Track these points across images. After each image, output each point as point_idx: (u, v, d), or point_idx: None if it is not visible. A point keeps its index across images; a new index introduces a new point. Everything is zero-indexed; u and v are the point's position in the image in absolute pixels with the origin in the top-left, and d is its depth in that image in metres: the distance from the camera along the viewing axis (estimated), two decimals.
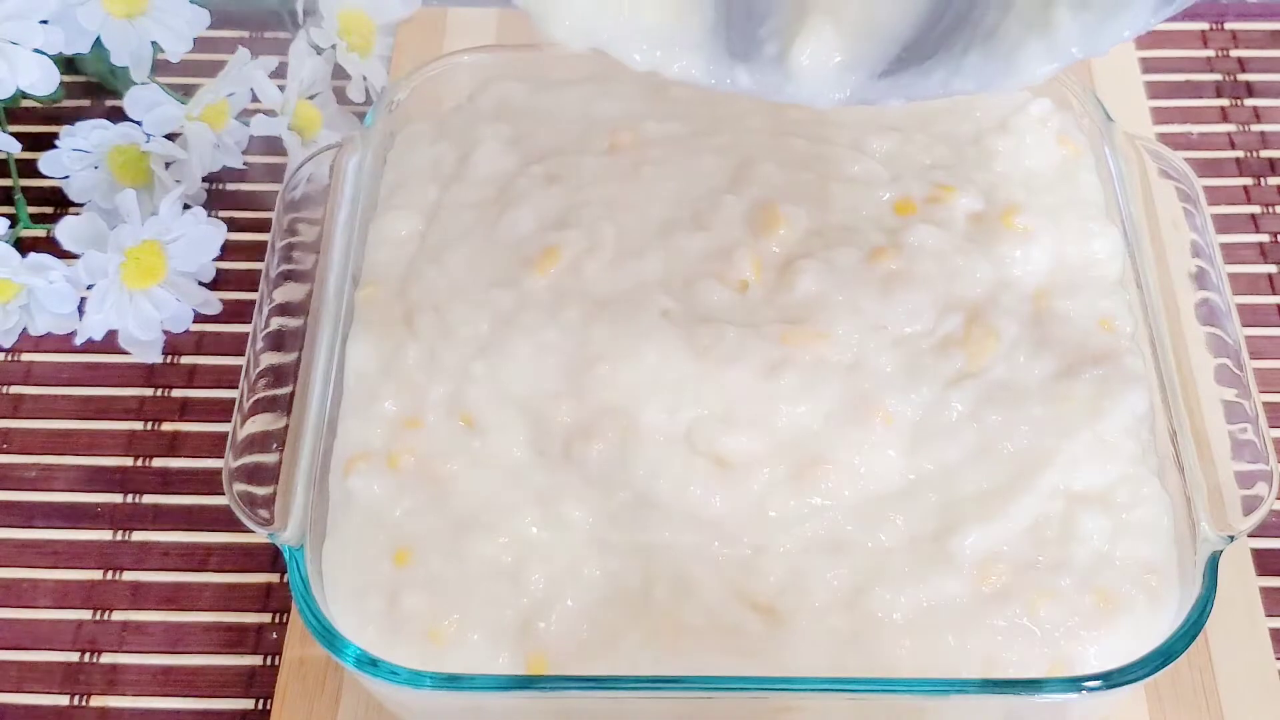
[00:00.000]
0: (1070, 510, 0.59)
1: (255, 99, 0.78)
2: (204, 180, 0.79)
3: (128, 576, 0.70)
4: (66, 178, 0.76)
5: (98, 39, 0.74)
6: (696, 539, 0.58)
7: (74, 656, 0.67)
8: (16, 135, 0.77)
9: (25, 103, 0.80)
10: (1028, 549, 0.58)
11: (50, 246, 0.74)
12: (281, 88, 0.78)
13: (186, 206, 0.75)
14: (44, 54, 0.73)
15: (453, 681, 0.54)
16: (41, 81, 0.73)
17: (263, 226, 0.74)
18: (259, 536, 0.58)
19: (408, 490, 0.60)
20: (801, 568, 0.58)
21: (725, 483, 0.60)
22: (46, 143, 0.76)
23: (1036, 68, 0.50)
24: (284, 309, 0.65)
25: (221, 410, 0.73)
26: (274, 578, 0.69)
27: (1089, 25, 0.50)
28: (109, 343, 0.74)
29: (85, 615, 0.69)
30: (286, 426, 0.61)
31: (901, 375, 0.62)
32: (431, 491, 0.60)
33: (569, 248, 0.66)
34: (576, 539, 0.59)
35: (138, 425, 0.74)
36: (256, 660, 0.67)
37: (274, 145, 0.79)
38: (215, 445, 0.72)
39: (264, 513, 0.58)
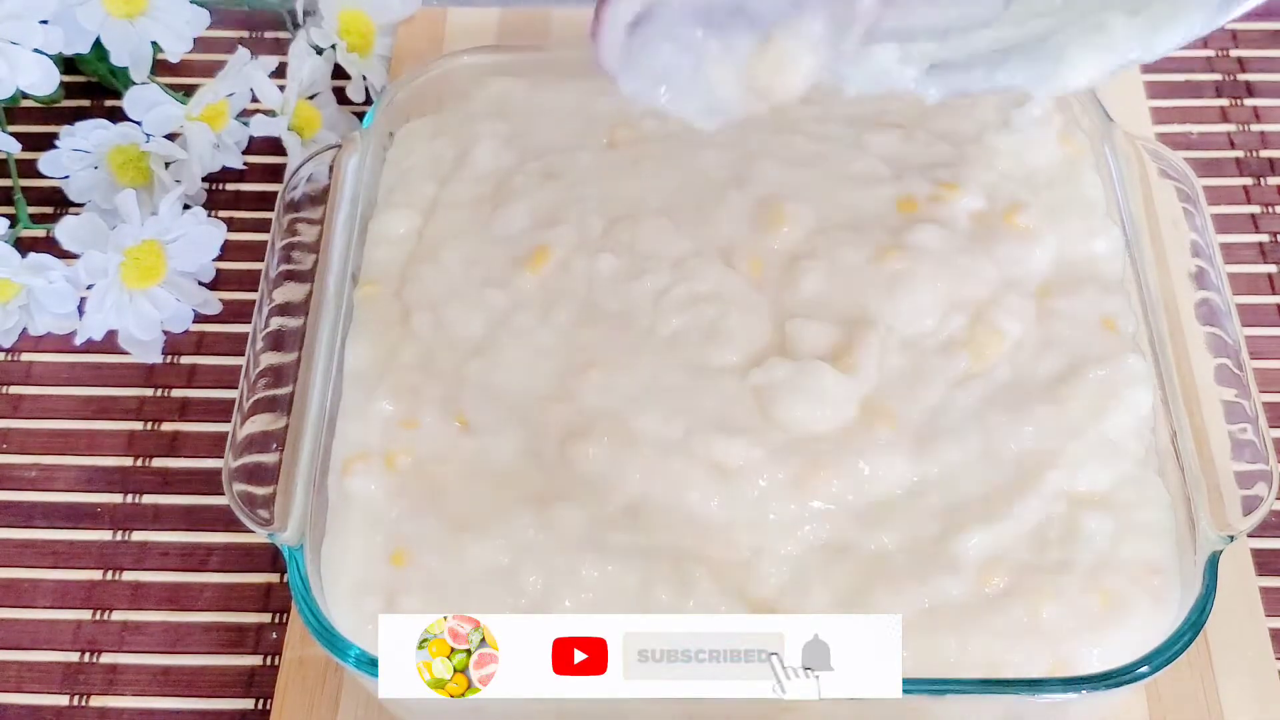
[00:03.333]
0: (1073, 511, 0.59)
1: (255, 99, 0.78)
2: (204, 180, 0.79)
3: (128, 576, 0.70)
4: (66, 178, 0.76)
5: (98, 39, 0.74)
6: (695, 541, 0.58)
7: (74, 656, 0.67)
8: (16, 135, 0.77)
9: (25, 103, 0.80)
10: (1031, 550, 0.58)
11: (50, 246, 0.75)
12: (281, 88, 0.78)
13: (186, 206, 0.75)
14: (44, 54, 0.73)
15: None
16: (41, 81, 0.73)
17: (262, 226, 0.74)
18: (259, 536, 0.58)
19: (404, 491, 0.60)
20: (802, 569, 0.58)
21: (724, 487, 0.59)
22: (46, 143, 0.76)
23: (1087, 70, 0.51)
24: (284, 309, 0.65)
25: (221, 410, 0.73)
26: (274, 578, 0.69)
27: (1143, 30, 0.50)
28: (109, 343, 0.74)
29: (85, 615, 0.69)
30: (286, 426, 0.61)
31: (906, 377, 0.62)
32: (428, 492, 0.60)
33: (561, 245, 0.66)
34: (573, 541, 0.59)
35: (138, 425, 0.74)
36: (256, 660, 0.67)
37: (274, 145, 0.79)
38: (215, 445, 0.71)
39: (264, 513, 0.58)
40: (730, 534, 0.58)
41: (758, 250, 0.66)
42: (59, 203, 0.79)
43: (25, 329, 0.75)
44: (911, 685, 0.54)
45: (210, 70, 0.77)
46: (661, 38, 0.46)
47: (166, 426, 0.74)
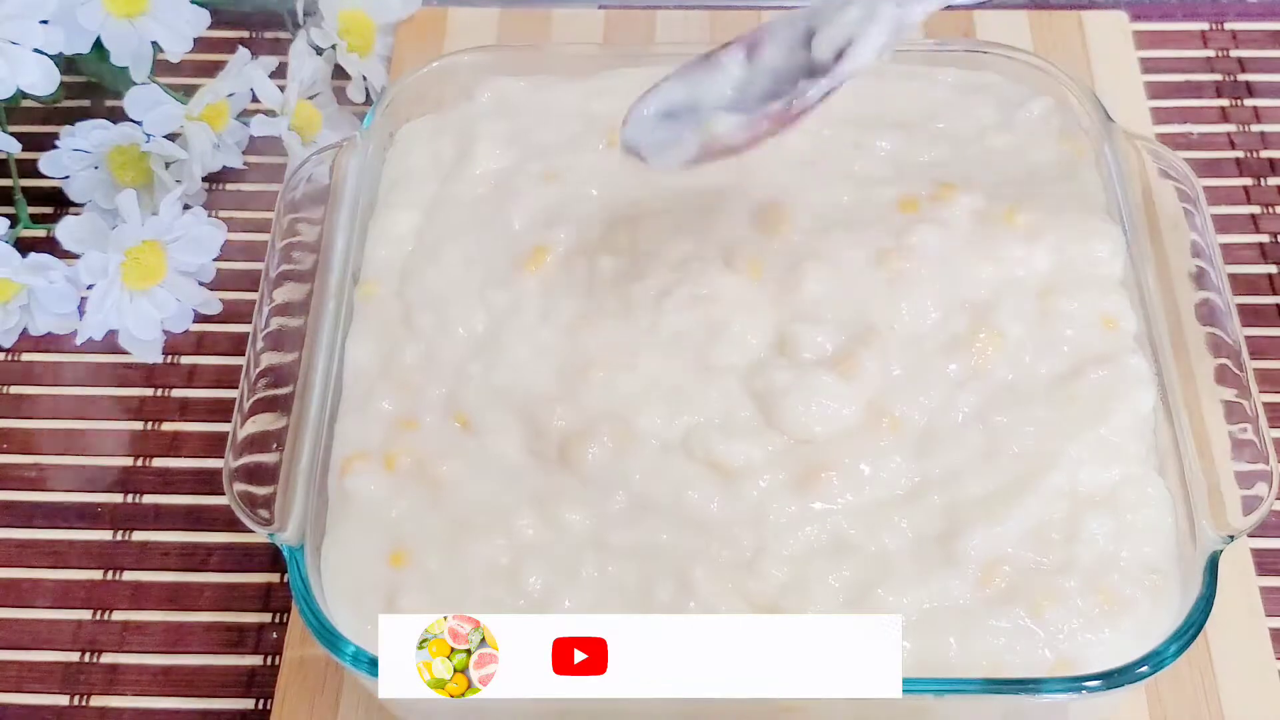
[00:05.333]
0: (1075, 512, 0.59)
1: (255, 99, 0.78)
2: (204, 180, 0.79)
3: (128, 576, 0.70)
4: (67, 178, 0.76)
5: (98, 39, 0.74)
6: (696, 541, 0.58)
7: (74, 656, 0.67)
8: (17, 135, 0.77)
9: (25, 102, 0.80)
10: (1032, 551, 0.58)
11: (50, 246, 0.75)
12: (281, 88, 0.78)
13: (186, 206, 0.75)
14: (44, 54, 0.73)
15: None
16: (42, 81, 0.73)
17: (263, 226, 0.74)
18: (259, 536, 0.58)
19: (404, 491, 0.60)
20: (804, 569, 0.57)
21: (725, 488, 0.59)
22: (47, 143, 0.76)
23: None
24: (284, 309, 0.65)
25: (222, 410, 0.73)
26: (274, 577, 0.69)
27: None
28: (109, 343, 0.74)
29: (85, 615, 0.69)
30: (286, 426, 0.61)
31: (908, 379, 0.62)
32: (428, 492, 0.60)
33: (561, 245, 0.66)
34: (574, 541, 0.59)
35: (138, 425, 0.74)
36: (256, 660, 0.67)
37: (274, 145, 0.79)
38: (215, 445, 0.71)
39: (264, 512, 0.58)
40: (731, 534, 0.58)
41: (758, 251, 0.66)
42: (59, 203, 0.79)
43: (26, 329, 0.75)
44: (912, 685, 0.54)
45: (211, 70, 0.77)
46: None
47: (167, 426, 0.74)
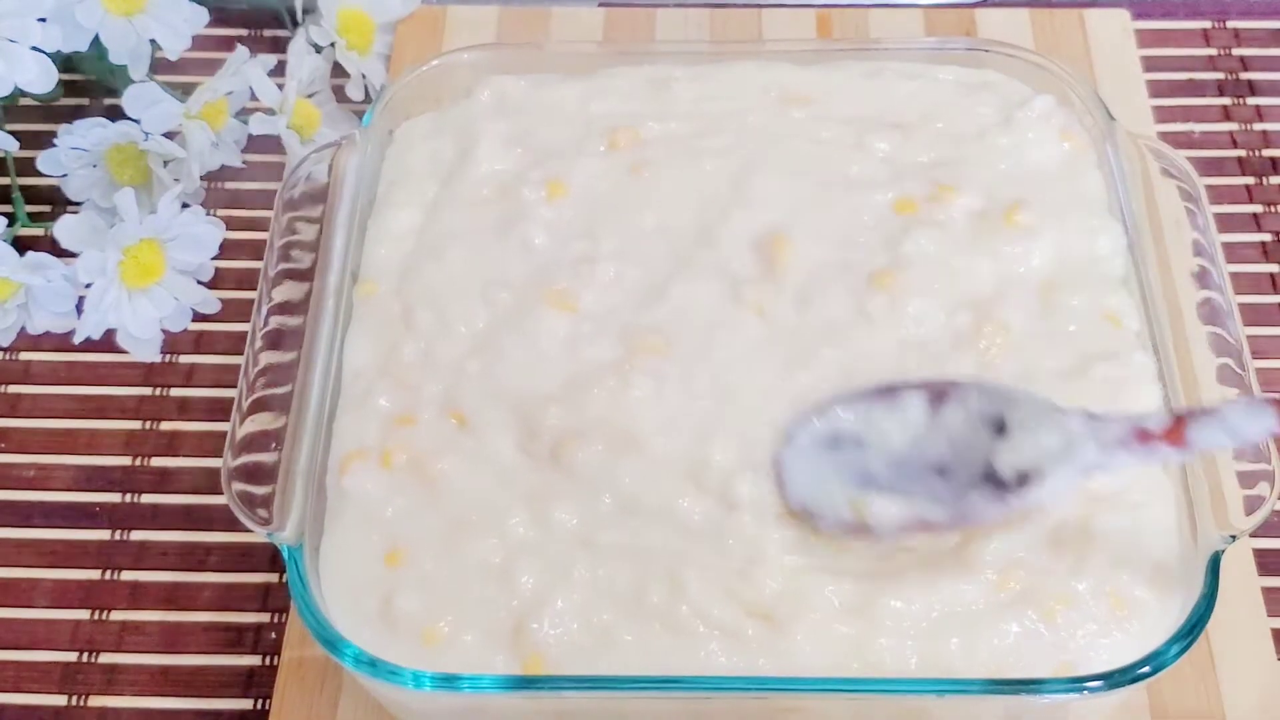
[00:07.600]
0: (1086, 512, 0.58)
1: (254, 97, 0.78)
2: (202, 178, 0.79)
3: (126, 576, 0.70)
4: (65, 176, 0.76)
5: (96, 37, 0.74)
6: (690, 545, 0.58)
7: (72, 656, 0.67)
8: (14, 133, 0.77)
9: (23, 101, 0.80)
10: (1045, 554, 0.58)
11: (49, 245, 0.74)
12: (280, 86, 0.78)
13: (185, 205, 0.75)
14: (42, 52, 0.72)
15: (452, 682, 0.54)
16: (39, 79, 0.73)
17: (261, 225, 0.74)
18: (258, 536, 0.58)
19: (400, 489, 0.60)
20: (803, 576, 0.57)
21: (726, 495, 0.59)
22: (45, 141, 0.76)
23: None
24: (283, 308, 0.64)
25: (220, 409, 0.73)
26: (273, 577, 0.69)
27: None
28: (107, 342, 0.74)
29: (83, 615, 0.68)
30: (285, 426, 0.60)
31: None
32: (423, 491, 0.60)
33: (560, 247, 0.66)
34: (564, 541, 0.58)
35: (136, 424, 0.74)
36: (255, 660, 0.67)
37: (273, 144, 0.79)
38: (214, 444, 0.71)
39: (263, 512, 0.58)
40: (727, 541, 0.58)
41: (762, 284, 0.65)
42: (57, 201, 0.79)
43: (24, 328, 0.75)
44: (913, 686, 0.54)
45: (209, 68, 0.77)
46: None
47: (165, 426, 0.74)
